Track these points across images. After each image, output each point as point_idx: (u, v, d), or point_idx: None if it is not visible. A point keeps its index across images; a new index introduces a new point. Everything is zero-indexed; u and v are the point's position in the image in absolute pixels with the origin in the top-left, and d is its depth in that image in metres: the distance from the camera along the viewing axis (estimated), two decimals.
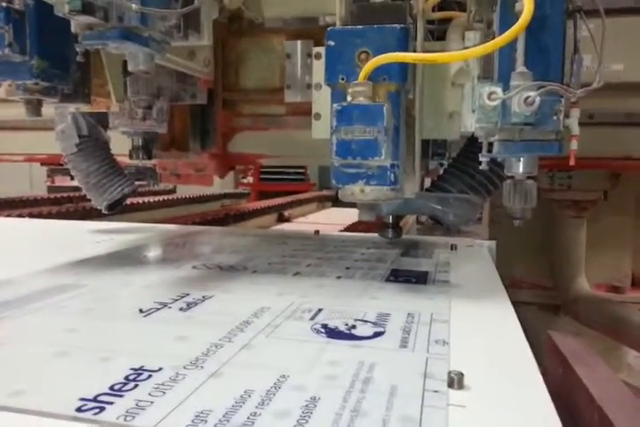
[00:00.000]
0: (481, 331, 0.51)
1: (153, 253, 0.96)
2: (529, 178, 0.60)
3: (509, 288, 0.75)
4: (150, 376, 0.38)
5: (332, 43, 0.59)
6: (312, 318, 0.53)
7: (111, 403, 0.33)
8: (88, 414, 0.32)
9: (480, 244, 1.00)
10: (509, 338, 0.49)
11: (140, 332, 0.49)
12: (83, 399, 0.34)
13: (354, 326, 0.51)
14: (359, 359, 0.42)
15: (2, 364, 0.41)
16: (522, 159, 0.58)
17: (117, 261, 0.82)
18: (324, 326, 0.51)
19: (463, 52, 0.56)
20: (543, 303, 1.47)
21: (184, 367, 0.40)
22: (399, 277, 0.73)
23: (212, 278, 0.72)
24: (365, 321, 0.52)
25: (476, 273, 0.77)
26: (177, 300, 0.59)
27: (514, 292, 1.28)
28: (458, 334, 0.48)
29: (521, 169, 0.58)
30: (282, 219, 2.75)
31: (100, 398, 0.34)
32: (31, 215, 1.87)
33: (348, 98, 0.57)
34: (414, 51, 0.65)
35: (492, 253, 0.95)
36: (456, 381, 0.37)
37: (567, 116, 0.57)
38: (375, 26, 0.59)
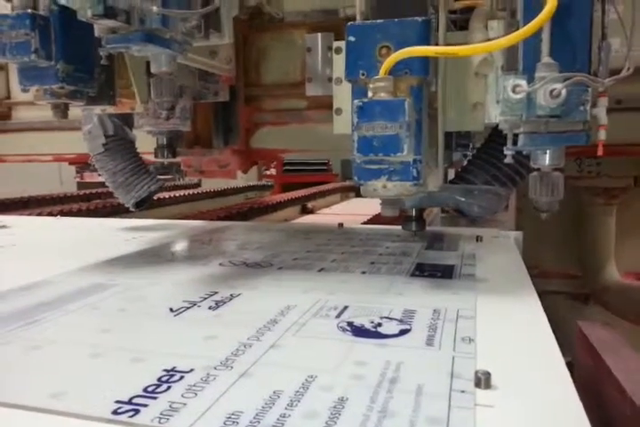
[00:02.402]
0: (507, 327, 0.51)
1: (180, 250, 0.98)
2: (555, 170, 0.59)
3: (538, 278, 0.74)
4: (182, 378, 0.39)
5: (352, 38, 0.59)
6: (338, 316, 0.54)
7: (145, 405, 0.34)
8: (124, 417, 0.33)
9: (506, 235, 0.99)
10: (536, 335, 0.48)
11: (171, 332, 0.50)
12: (118, 402, 0.35)
13: (379, 324, 0.51)
14: (386, 358, 0.42)
15: (41, 366, 0.42)
16: (548, 151, 0.57)
17: (147, 260, 0.84)
18: (350, 323, 0.51)
19: (486, 45, 0.54)
20: (572, 292, 1.44)
21: (214, 368, 0.41)
22: (424, 271, 0.73)
23: (238, 276, 0.73)
24: (391, 318, 0.53)
25: (503, 266, 0.77)
26: (206, 298, 0.61)
27: (542, 281, 1.27)
28: (484, 332, 0.48)
29: (547, 161, 0.57)
30: (305, 211, 2.76)
31: (135, 401, 0.35)
32: (62, 213, 1.92)
33: (369, 94, 0.57)
34: (436, 43, 0.64)
35: (518, 244, 0.94)
36: (483, 381, 0.37)
37: (595, 105, 0.55)
38: (396, 20, 0.58)
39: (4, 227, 1.27)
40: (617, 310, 1.30)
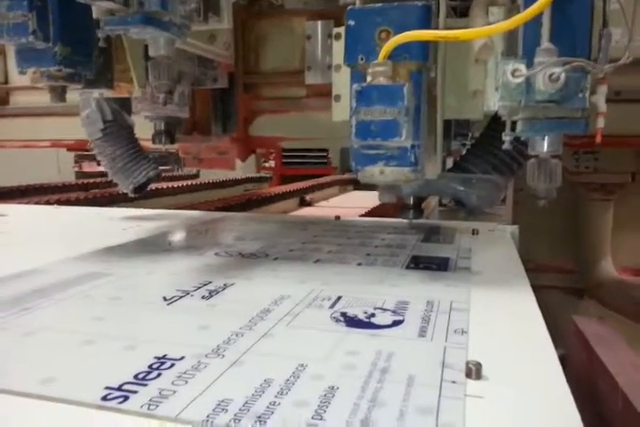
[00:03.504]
0: (500, 320, 0.51)
1: (177, 240, 0.98)
2: (554, 157, 0.58)
3: (533, 272, 0.74)
4: (173, 365, 0.39)
5: (351, 22, 0.58)
6: (332, 307, 0.54)
7: (135, 392, 0.34)
8: (113, 403, 0.33)
9: (502, 228, 0.99)
10: (529, 327, 0.48)
11: (164, 320, 0.50)
12: (108, 388, 0.35)
13: (373, 315, 0.51)
14: (377, 349, 0.42)
15: (33, 352, 0.42)
16: (546, 138, 0.56)
17: (143, 249, 0.84)
18: (344, 314, 0.51)
19: (486, 29, 0.53)
20: (567, 287, 1.45)
21: (206, 356, 0.41)
22: (420, 263, 0.73)
23: (233, 266, 0.73)
24: (385, 309, 0.53)
25: (498, 259, 0.77)
26: (199, 287, 0.60)
27: (537, 275, 1.27)
28: (477, 323, 0.48)
29: (545, 148, 0.56)
30: (304, 203, 2.76)
31: (125, 387, 0.35)
32: (59, 202, 1.92)
33: (368, 78, 0.56)
34: (436, 28, 0.63)
35: (514, 237, 0.94)
36: (474, 371, 0.37)
37: (594, 92, 0.54)
38: (395, 4, 0.57)
39: (1, 215, 1.26)
40: (612, 305, 1.30)
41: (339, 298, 0.56)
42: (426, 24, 0.57)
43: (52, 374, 0.37)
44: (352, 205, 2.66)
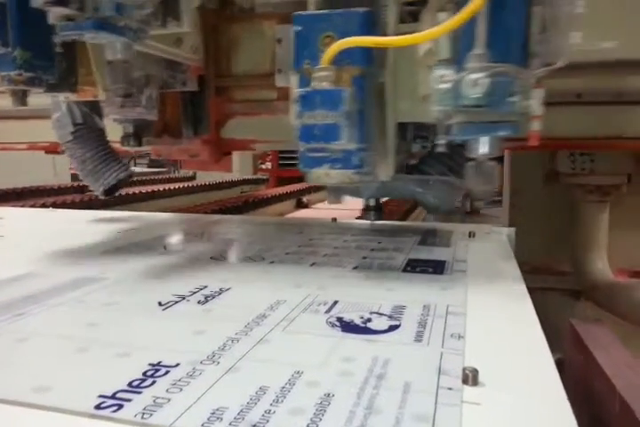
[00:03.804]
0: (497, 324, 0.51)
1: (172, 243, 0.98)
2: (491, 160, 0.59)
3: (529, 274, 0.74)
4: (168, 372, 0.39)
5: (297, 28, 0.60)
6: (328, 311, 0.53)
7: (129, 400, 0.34)
8: (107, 412, 0.32)
9: (499, 231, 0.99)
10: (525, 332, 0.48)
11: (159, 326, 0.50)
12: (102, 396, 0.34)
13: (369, 320, 0.51)
14: (374, 354, 0.42)
15: (25, 360, 0.42)
16: (483, 141, 0.57)
17: (138, 252, 0.84)
18: (340, 319, 0.51)
19: (413, 36, 0.53)
20: (564, 289, 1.45)
21: (201, 363, 0.40)
22: (416, 267, 0.73)
23: (229, 270, 0.72)
24: (381, 314, 0.52)
25: (494, 262, 0.76)
26: (195, 292, 0.60)
27: (534, 277, 1.27)
28: (474, 328, 0.48)
29: (481, 151, 0.57)
30: (300, 205, 2.75)
31: (119, 395, 0.35)
32: (55, 205, 1.91)
33: (312, 83, 0.57)
34: (385, 34, 0.63)
35: (511, 240, 0.94)
36: (470, 378, 0.37)
37: (529, 97, 0.55)
38: (339, 10, 0.59)
39: None
40: (608, 307, 1.30)
41: (335, 302, 0.56)
42: (368, 30, 0.58)
43: (45, 382, 0.37)
44: (349, 207, 2.65)
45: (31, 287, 0.62)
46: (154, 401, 0.34)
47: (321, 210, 2.58)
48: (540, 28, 0.56)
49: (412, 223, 0.99)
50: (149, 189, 2.51)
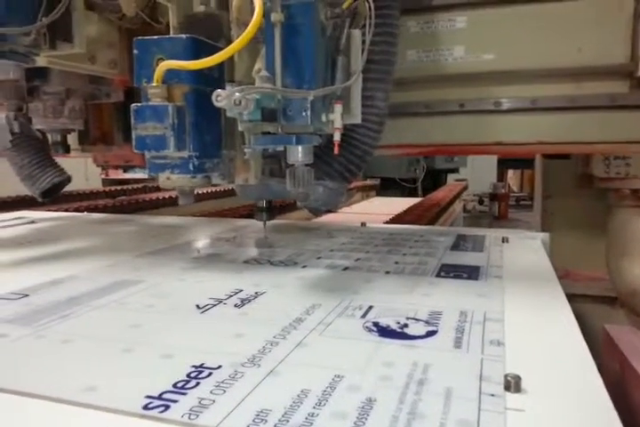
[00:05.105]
0: (536, 330, 0.50)
1: (205, 247, 0.99)
2: (307, 165, 0.65)
3: (564, 280, 0.72)
4: (211, 374, 0.39)
5: (136, 51, 0.66)
6: (363, 316, 0.53)
7: (175, 401, 0.35)
8: (154, 412, 0.33)
9: (533, 236, 0.98)
10: (566, 337, 0.48)
11: (198, 328, 0.51)
12: (149, 397, 0.35)
13: (406, 325, 0.51)
14: (413, 360, 0.42)
15: (72, 360, 0.43)
16: (299, 149, 0.62)
17: (173, 256, 0.85)
18: (376, 324, 0.51)
19: (203, 61, 0.60)
20: (599, 296, 1.42)
21: (242, 365, 0.41)
22: (450, 272, 0.73)
23: (263, 274, 0.73)
24: (417, 320, 0.52)
25: (530, 267, 0.75)
26: (231, 296, 0.61)
27: (568, 284, 1.25)
28: (512, 334, 0.48)
29: (294, 157, 0.63)
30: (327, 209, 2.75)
31: (165, 396, 0.35)
32: (88, 209, 1.95)
33: (147, 99, 0.64)
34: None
35: (545, 245, 0.93)
36: (513, 384, 0.36)
37: (332, 110, 0.63)
38: (168, 36, 0.67)
39: (32, 222, 1.30)
40: None
41: (370, 307, 0.56)
42: (191, 54, 0.64)
43: (94, 382, 0.38)
44: (375, 211, 2.65)
45: (74, 290, 0.64)
46: (199, 402, 0.35)
47: (348, 214, 2.58)
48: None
49: (443, 228, 0.98)
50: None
